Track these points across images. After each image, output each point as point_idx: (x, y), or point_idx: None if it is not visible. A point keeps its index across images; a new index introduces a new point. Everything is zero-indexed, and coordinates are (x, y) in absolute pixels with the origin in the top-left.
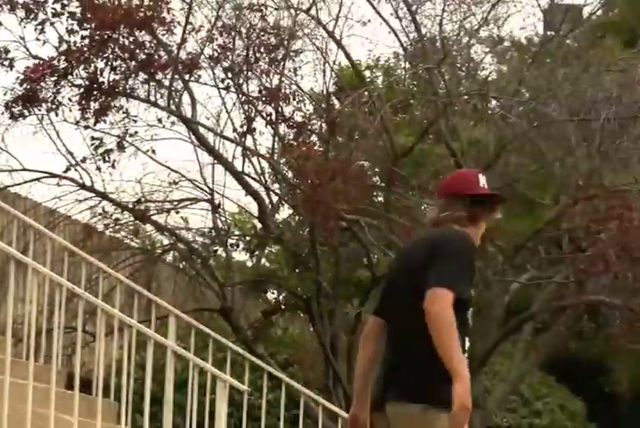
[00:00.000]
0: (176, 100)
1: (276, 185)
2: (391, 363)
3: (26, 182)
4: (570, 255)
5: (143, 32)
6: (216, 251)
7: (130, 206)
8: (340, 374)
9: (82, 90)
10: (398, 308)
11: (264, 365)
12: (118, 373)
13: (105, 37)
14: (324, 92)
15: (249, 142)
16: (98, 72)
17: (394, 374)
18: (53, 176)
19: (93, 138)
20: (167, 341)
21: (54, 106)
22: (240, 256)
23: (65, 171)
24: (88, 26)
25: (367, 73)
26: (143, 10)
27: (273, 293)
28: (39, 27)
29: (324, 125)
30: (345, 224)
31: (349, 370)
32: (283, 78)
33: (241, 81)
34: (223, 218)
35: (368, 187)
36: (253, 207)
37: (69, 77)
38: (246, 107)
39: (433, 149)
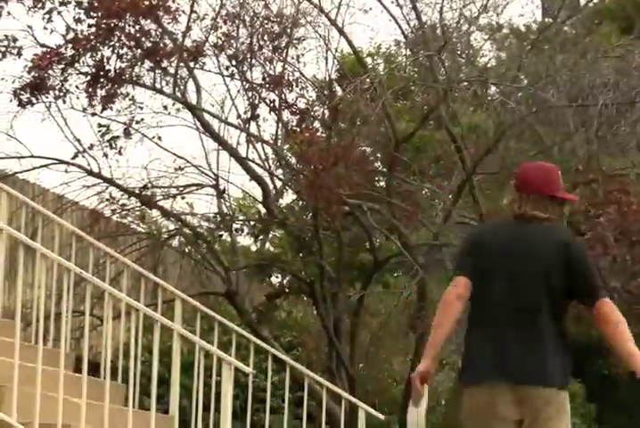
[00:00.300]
0: (182, 87)
1: (280, 171)
2: (524, 346)
3: (34, 168)
4: None
5: (149, 20)
6: (221, 235)
7: (137, 192)
8: (344, 357)
9: (89, 78)
10: (526, 297)
11: (268, 347)
12: (126, 356)
13: (111, 25)
14: (327, 79)
15: (253, 128)
16: (105, 60)
17: (532, 358)
18: (61, 162)
19: (100, 125)
20: (173, 324)
21: (62, 94)
22: (244, 240)
23: (73, 158)
24: (95, 14)
25: (369, 60)
26: None
27: (277, 277)
28: (47, 15)
29: (326, 111)
30: (347, 208)
31: (352, 352)
32: (287, 66)
33: (245, 68)
34: (228, 204)
35: (370, 172)
36: (257, 192)
37: (77, 65)
38: (250, 94)
39: (434, 134)
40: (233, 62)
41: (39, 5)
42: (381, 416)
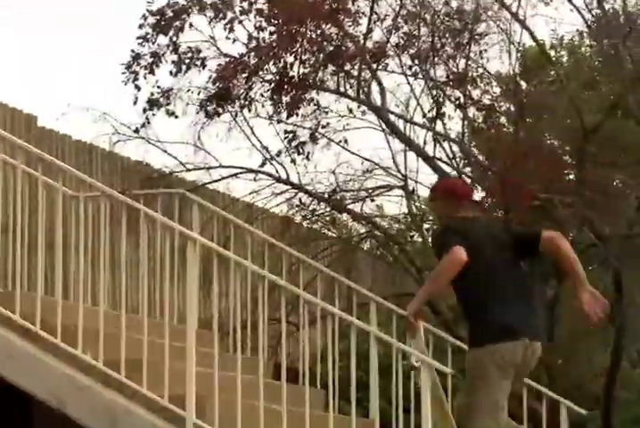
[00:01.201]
0: (365, 89)
1: (468, 169)
2: (533, 309)
3: (223, 178)
4: None
5: (330, 24)
6: (412, 236)
7: (326, 196)
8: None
9: (273, 85)
10: (514, 269)
11: (466, 347)
12: (323, 361)
13: (293, 31)
14: (511, 73)
15: (438, 126)
16: (288, 67)
17: (539, 319)
18: (249, 171)
19: (286, 132)
20: (369, 327)
21: (247, 102)
22: None
23: (261, 166)
24: (276, 21)
25: (552, 53)
26: (328, 2)
27: None
28: (228, 25)
29: (512, 106)
30: (538, 203)
31: (551, 348)
32: (470, 62)
33: (428, 67)
34: (417, 204)
35: (560, 166)
36: None
37: (260, 73)
38: (434, 92)
39: (623, 124)
40: (416, 62)
41: (220, 16)
42: (583, 412)
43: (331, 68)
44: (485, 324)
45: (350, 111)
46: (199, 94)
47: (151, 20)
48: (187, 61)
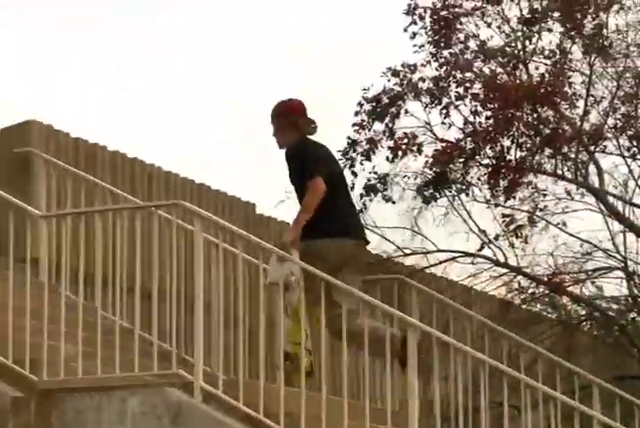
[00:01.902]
0: (583, 171)
1: None
2: (354, 213)
3: (441, 262)
4: None
5: (546, 108)
6: (633, 318)
7: (545, 279)
8: None
9: (490, 169)
10: (344, 185)
11: None
12: None
13: (509, 115)
14: None
15: None
16: (504, 150)
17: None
18: (467, 255)
19: (503, 215)
20: (592, 411)
21: (464, 187)
22: None
23: (479, 249)
24: (492, 106)
25: None
26: (544, 86)
27: None
28: (444, 111)
29: None
30: None
31: None
32: None
33: None
34: (638, 285)
35: None
36: None
37: (477, 157)
38: None
39: None
40: (634, 143)
41: (436, 101)
42: None
43: (548, 151)
44: (332, 222)
45: (568, 193)
46: (415, 179)
47: (367, 107)
48: (403, 146)
